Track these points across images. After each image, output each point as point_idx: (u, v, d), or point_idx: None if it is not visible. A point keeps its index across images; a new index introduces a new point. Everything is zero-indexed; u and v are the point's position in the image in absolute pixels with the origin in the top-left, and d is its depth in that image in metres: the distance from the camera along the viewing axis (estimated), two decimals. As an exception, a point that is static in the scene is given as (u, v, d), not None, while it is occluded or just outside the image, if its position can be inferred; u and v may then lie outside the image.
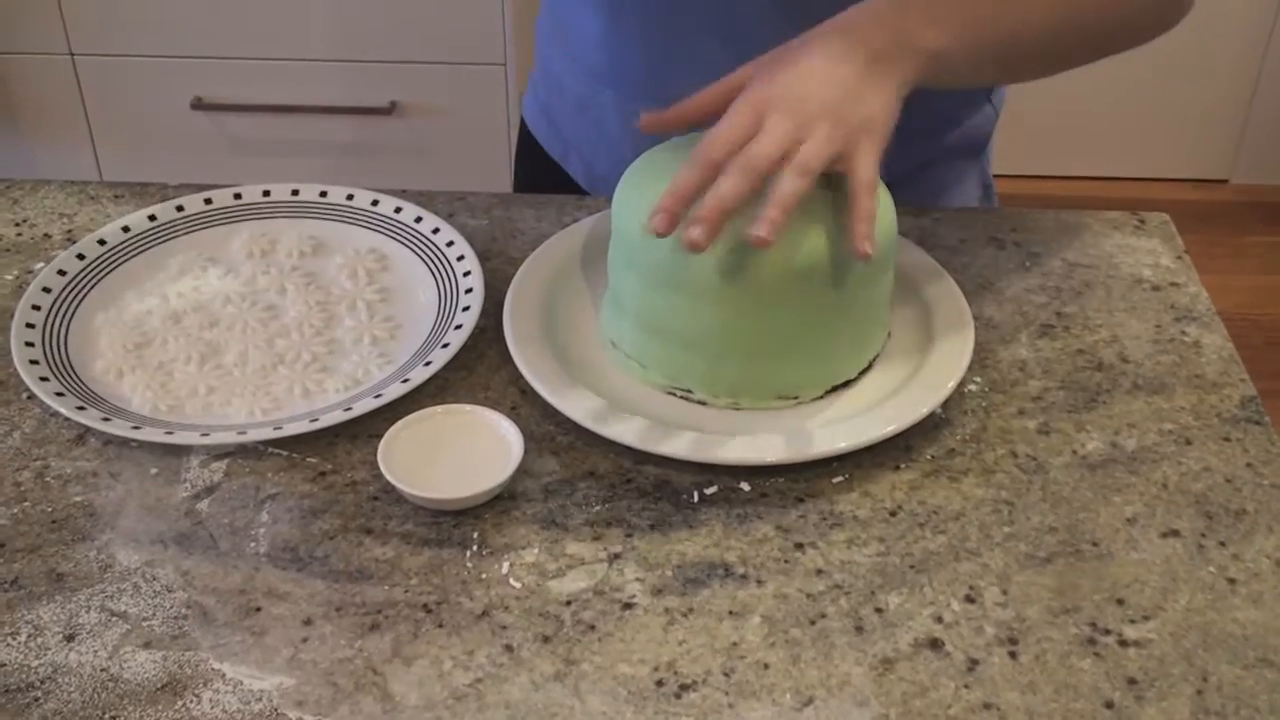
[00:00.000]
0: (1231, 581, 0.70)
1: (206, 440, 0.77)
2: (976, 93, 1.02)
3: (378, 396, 0.79)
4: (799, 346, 0.78)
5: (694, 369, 0.79)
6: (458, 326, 0.84)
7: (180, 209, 0.94)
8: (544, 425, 0.79)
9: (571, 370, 0.81)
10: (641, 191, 0.79)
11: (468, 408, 0.77)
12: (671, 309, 0.78)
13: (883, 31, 0.77)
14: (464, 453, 0.75)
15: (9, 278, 0.91)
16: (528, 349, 0.81)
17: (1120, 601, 0.69)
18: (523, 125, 1.15)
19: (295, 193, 0.96)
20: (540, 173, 1.11)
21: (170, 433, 0.77)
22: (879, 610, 0.68)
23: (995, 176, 1.10)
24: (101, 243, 0.91)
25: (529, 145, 1.13)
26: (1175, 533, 0.72)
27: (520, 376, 0.80)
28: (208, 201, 0.95)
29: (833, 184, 0.79)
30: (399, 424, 0.76)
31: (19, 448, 0.77)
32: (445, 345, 0.82)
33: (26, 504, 0.74)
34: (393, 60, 2.05)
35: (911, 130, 0.85)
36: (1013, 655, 0.66)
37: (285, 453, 0.77)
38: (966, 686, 0.64)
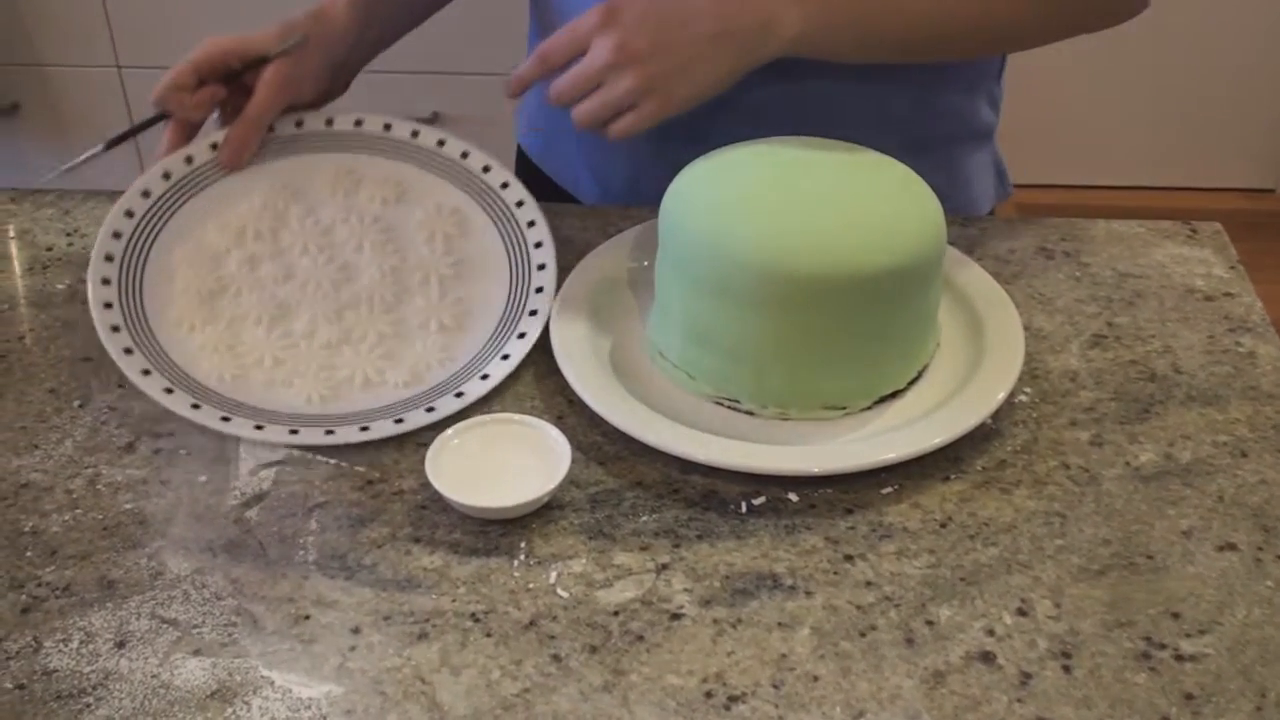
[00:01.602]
0: (1290, 596, 0.69)
1: (259, 435, 0.77)
2: (971, 83, 1.01)
3: (430, 410, 0.79)
4: (847, 356, 0.78)
5: (741, 379, 0.79)
6: (521, 335, 0.84)
7: (271, 129, 0.93)
8: (591, 435, 0.79)
9: (619, 380, 0.80)
10: (690, 202, 0.79)
11: (515, 417, 0.77)
12: (719, 319, 0.77)
13: (751, 12, 0.81)
14: (511, 462, 0.75)
15: (61, 287, 0.92)
16: (575, 358, 0.81)
17: (1176, 615, 0.68)
18: (520, 156, 1.14)
19: (388, 127, 0.94)
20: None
21: (227, 419, 0.78)
22: (930, 623, 0.67)
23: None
24: (189, 160, 0.90)
25: (531, 175, 1.11)
26: (1232, 546, 0.71)
27: (567, 386, 0.80)
28: (299, 124, 0.94)
29: (880, 193, 0.79)
30: (447, 433, 0.76)
31: (71, 456, 0.78)
32: (506, 357, 0.82)
33: (78, 511, 0.74)
34: (434, 71, 2.06)
35: (907, 114, 0.90)
36: (1066, 669, 0.65)
37: (334, 461, 0.77)
38: (1019, 700, 0.64)
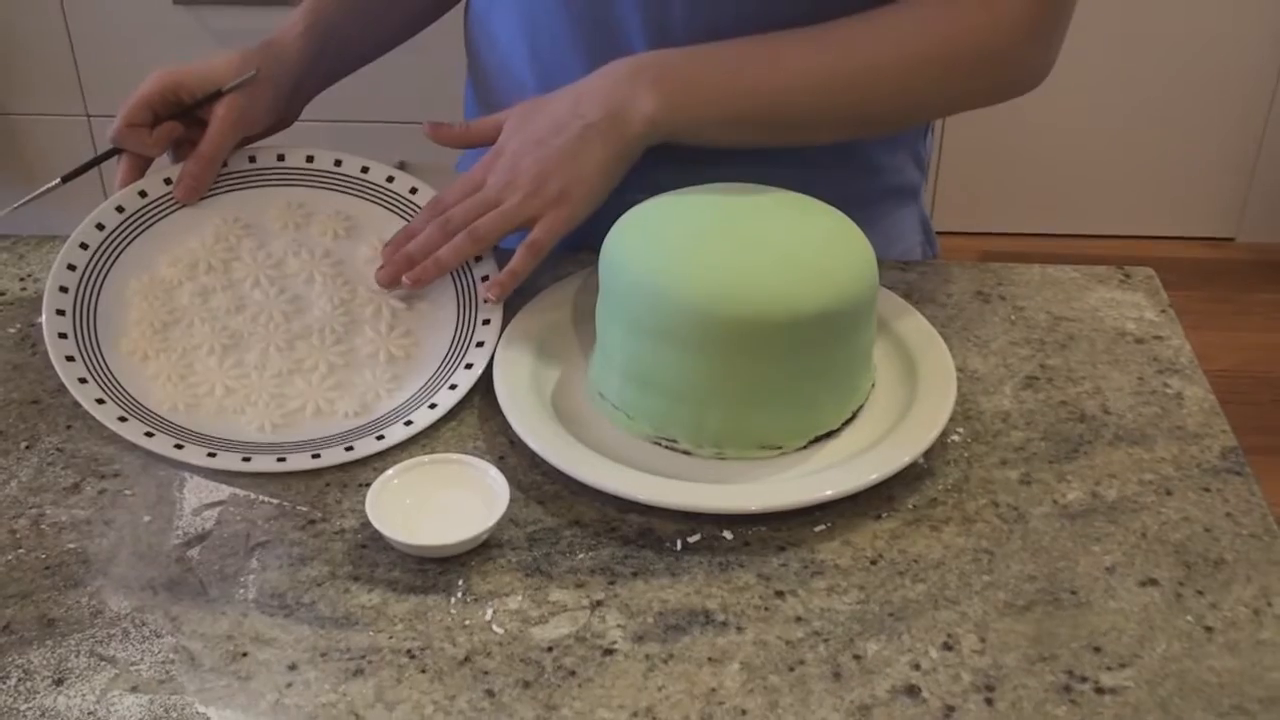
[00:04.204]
0: (1209, 630, 0.70)
1: (212, 463, 0.79)
2: (894, 140, 1.03)
3: (380, 438, 0.81)
4: (782, 397, 0.79)
5: (679, 419, 0.80)
6: (468, 365, 0.85)
7: (224, 164, 0.95)
8: (531, 475, 0.80)
9: (559, 421, 0.82)
10: (629, 247, 0.81)
11: (455, 456, 0.78)
12: (657, 360, 0.79)
13: (603, 104, 0.86)
14: (451, 501, 0.76)
15: (12, 330, 0.93)
16: (517, 400, 0.82)
17: (1097, 649, 0.69)
18: None
19: (338, 163, 0.97)
20: None
21: (180, 446, 0.80)
22: (857, 657, 0.69)
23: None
24: (143, 194, 0.92)
25: None
26: (1154, 581, 0.73)
27: (509, 426, 0.81)
28: (251, 159, 0.96)
29: (813, 236, 0.81)
30: (388, 473, 0.77)
31: (16, 496, 0.79)
32: (453, 387, 0.84)
33: (21, 550, 0.75)
34: (402, 120, 2.08)
35: (831, 170, 0.93)
36: (989, 702, 0.66)
37: (276, 501, 0.78)
38: (942, 733, 0.65)
